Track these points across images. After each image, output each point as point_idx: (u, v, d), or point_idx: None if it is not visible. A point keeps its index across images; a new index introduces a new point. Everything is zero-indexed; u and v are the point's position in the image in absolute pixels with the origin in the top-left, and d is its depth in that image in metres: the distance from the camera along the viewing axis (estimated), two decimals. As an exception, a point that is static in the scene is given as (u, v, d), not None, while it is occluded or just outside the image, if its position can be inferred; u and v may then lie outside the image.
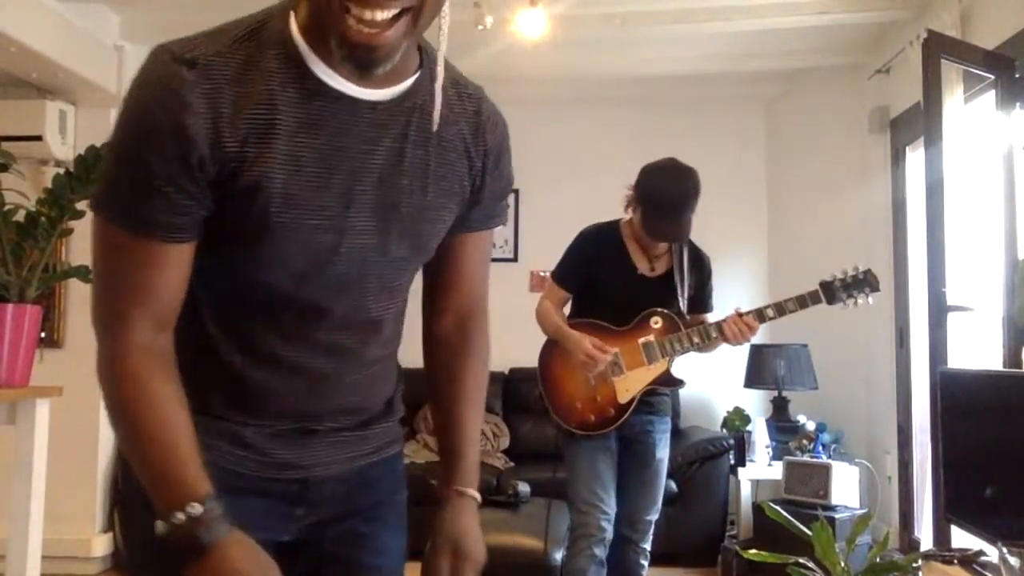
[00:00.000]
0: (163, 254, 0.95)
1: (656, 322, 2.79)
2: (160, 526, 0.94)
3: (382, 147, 1.01)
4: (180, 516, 0.93)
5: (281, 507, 1.13)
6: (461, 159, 1.10)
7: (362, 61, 0.91)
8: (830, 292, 2.76)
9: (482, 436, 4.83)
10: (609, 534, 2.74)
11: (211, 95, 0.92)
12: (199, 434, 1.00)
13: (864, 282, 2.78)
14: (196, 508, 0.93)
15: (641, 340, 2.78)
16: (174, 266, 0.97)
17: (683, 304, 2.82)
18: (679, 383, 2.83)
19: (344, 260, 1.03)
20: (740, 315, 2.72)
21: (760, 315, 2.72)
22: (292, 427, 1.11)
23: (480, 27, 3.69)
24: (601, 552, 2.71)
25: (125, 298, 0.97)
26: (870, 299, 2.78)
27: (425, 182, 1.05)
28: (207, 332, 1.06)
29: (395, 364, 1.24)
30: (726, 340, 2.73)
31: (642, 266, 2.83)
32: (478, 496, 1.23)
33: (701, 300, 2.92)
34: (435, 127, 1.05)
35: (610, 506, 2.75)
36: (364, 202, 1.01)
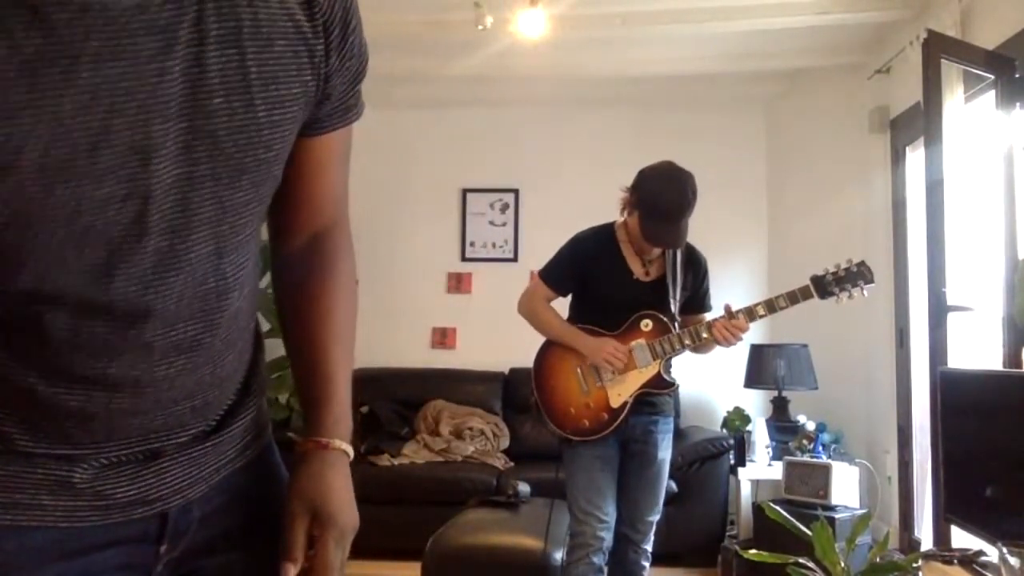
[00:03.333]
0: None
1: (647, 325, 2.78)
2: None
3: (173, 61, 0.71)
4: None
5: (138, 553, 0.88)
6: (294, 45, 0.80)
7: None
8: (821, 286, 2.73)
9: (482, 436, 4.83)
10: (608, 542, 2.74)
11: None
12: None
13: (857, 275, 2.73)
14: None
15: (632, 343, 2.77)
16: None
17: (675, 307, 2.81)
18: (671, 385, 2.83)
19: (158, 231, 0.74)
20: (730, 315, 2.71)
21: (750, 313, 2.71)
22: (132, 451, 0.85)
23: (480, 27, 3.70)
24: (600, 560, 2.71)
25: None
26: (865, 292, 2.75)
27: (248, 92, 0.76)
28: None
29: (251, 332, 0.97)
30: (716, 341, 2.73)
31: (637, 270, 2.82)
32: (348, 450, 0.95)
33: (698, 301, 2.91)
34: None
35: (608, 514, 2.75)
36: (167, 146, 0.72)
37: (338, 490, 0.92)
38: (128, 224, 0.72)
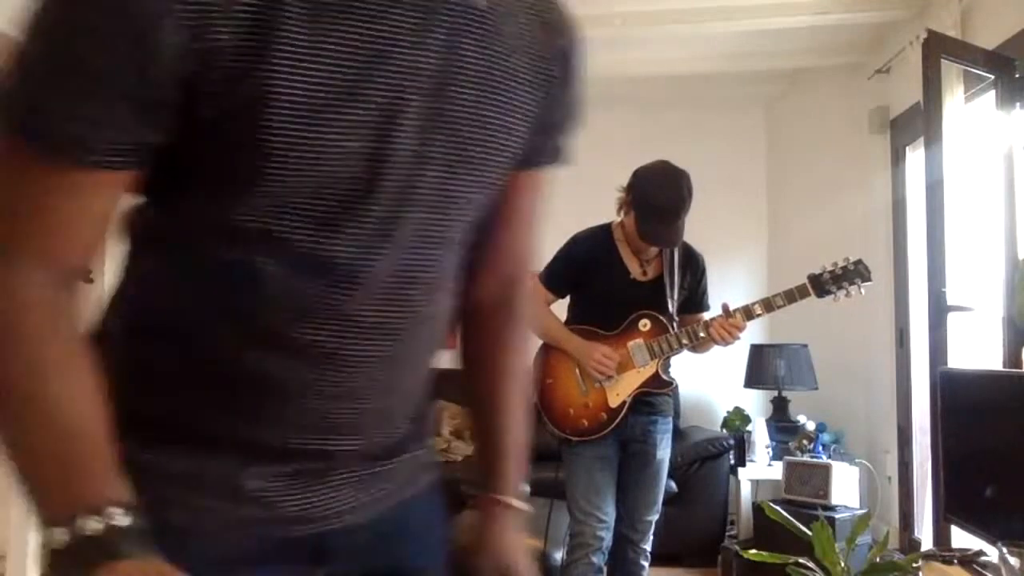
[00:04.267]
0: (87, 182, 0.66)
1: (645, 325, 2.79)
2: (58, 535, 0.64)
3: (433, 39, 0.72)
4: (95, 523, 0.64)
5: (294, 572, 0.82)
6: (531, 64, 0.81)
7: None
8: (818, 285, 2.74)
9: (482, 436, 4.83)
10: (607, 542, 2.74)
11: None
12: (161, 487, 0.73)
13: (855, 273, 2.74)
14: (119, 516, 0.65)
15: (630, 343, 2.77)
16: (99, 201, 0.68)
17: (672, 307, 2.81)
18: (669, 384, 2.83)
19: (387, 197, 0.73)
20: (728, 315, 2.71)
21: (748, 312, 2.72)
22: (309, 447, 0.81)
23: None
24: (599, 560, 2.72)
25: (18, 235, 0.67)
26: (862, 290, 2.75)
27: (491, 93, 0.77)
28: (176, 307, 0.75)
29: (433, 364, 0.93)
30: (714, 341, 2.73)
31: (634, 270, 2.82)
32: (524, 507, 0.99)
33: (695, 300, 2.91)
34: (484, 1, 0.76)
35: (608, 514, 2.75)
36: (412, 118, 0.72)
37: (520, 546, 0.98)
38: (363, 183, 0.72)
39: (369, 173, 0.72)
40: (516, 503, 0.99)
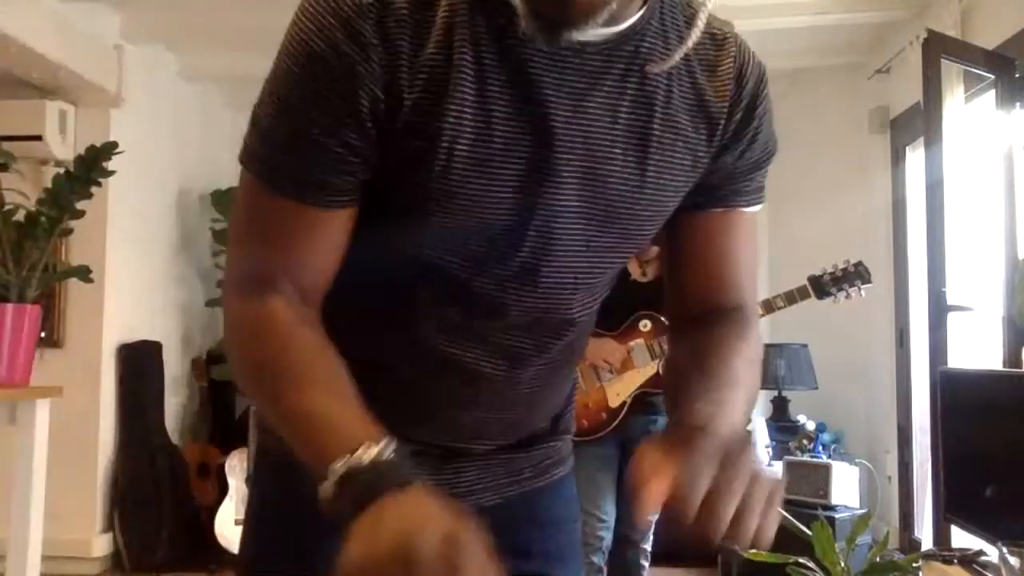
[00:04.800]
0: (320, 220, 0.79)
1: (645, 325, 2.79)
2: (334, 474, 0.67)
3: (592, 102, 0.78)
4: (363, 458, 0.68)
5: None
6: (698, 123, 0.83)
7: (553, 20, 0.70)
8: (818, 287, 2.74)
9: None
10: (607, 542, 2.74)
11: (387, 27, 0.73)
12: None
13: (855, 275, 2.75)
14: (385, 447, 0.69)
15: (631, 343, 2.78)
16: (329, 235, 0.80)
17: None
18: None
19: (531, 246, 0.81)
20: None
21: None
22: (442, 444, 0.91)
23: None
24: (599, 559, 2.72)
25: (271, 262, 0.80)
26: (862, 291, 2.76)
27: (645, 153, 0.81)
28: (346, 318, 0.84)
29: (572, 374, 1.03)
30: None
31: (634, 271, 2.83)
32: (718, 427, 0.74)
33: None
34: (667, 64, 0.79)
35: (608, 514, 2.75)
36: (564, 174, 0.79)
37: (716, 437, 0.72)
38: (511, 231, 0.80)
39: (517, 223, 0.79)
40: (696, 419, 0.76)
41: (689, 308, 0.95)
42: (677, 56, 0.79)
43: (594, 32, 0.73)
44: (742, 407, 0.86)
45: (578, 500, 1.05)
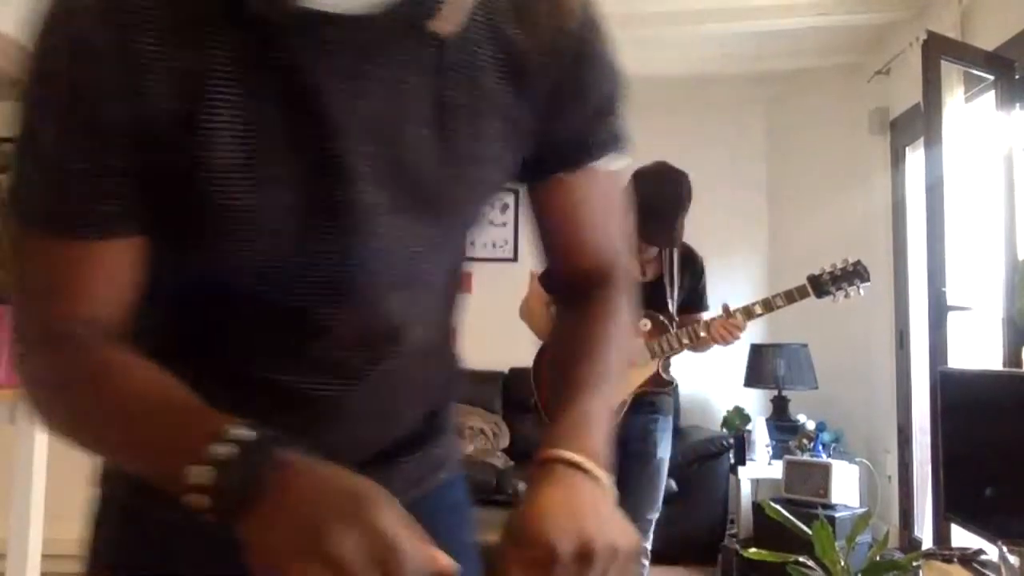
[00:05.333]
0: (99, 253, 0.70)
1: (645, 325, 2.79)
2: (208, 462, 0.59)
3: (371, 80, 0.69)
4: (233, 435, 0.60)
5: None
6: (510, 81, 0.73)
7: None
8: (818, 285, 2.75)
9: (482, 435, 4.83)
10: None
11: (126, 30, 0.64)
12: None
13: (854, 274, 2.76)
14: (243, 431, 0.60)
15: None
16: (114, 266, 0.71)
17: (672, 307, 2.82)
18: (669, 384, 2.83)
19: (336, 252, 0.72)
20: (728, 315, 2.72)
21: (748, 312, 2.73)
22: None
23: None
24: (600, 557, 2.72)
25: (61, 308, 0.71)
26: (861, 291, 2.77)
27: (447, 126, 0.72)
28: (158, 349, 0.75)
29: (447, 366, 0.93)
30: (714, 340, 2.74)
31: (634, 271, 2.83)
32: (577, 459, 0.70)
33: (695, 300, 2.92)
34: (455, 21, 0.69)
35: None
36: (356, 165, 0.69)
37: (543, 500, 0.67)
38: (306, 240, 0.71)
39: (313, 229, 0.70)
40: (560, 453, 0.71)
41: (560, 275, 0.90)
42: (464, 8, 0.69)
43: (364, 3, 0.65)
44: (606, 414, 0.79)
45: (468, 502, 0.95)
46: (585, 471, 0.70)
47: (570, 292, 0.89)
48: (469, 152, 0.73)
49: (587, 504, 0.68)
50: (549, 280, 0.95)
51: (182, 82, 0.65)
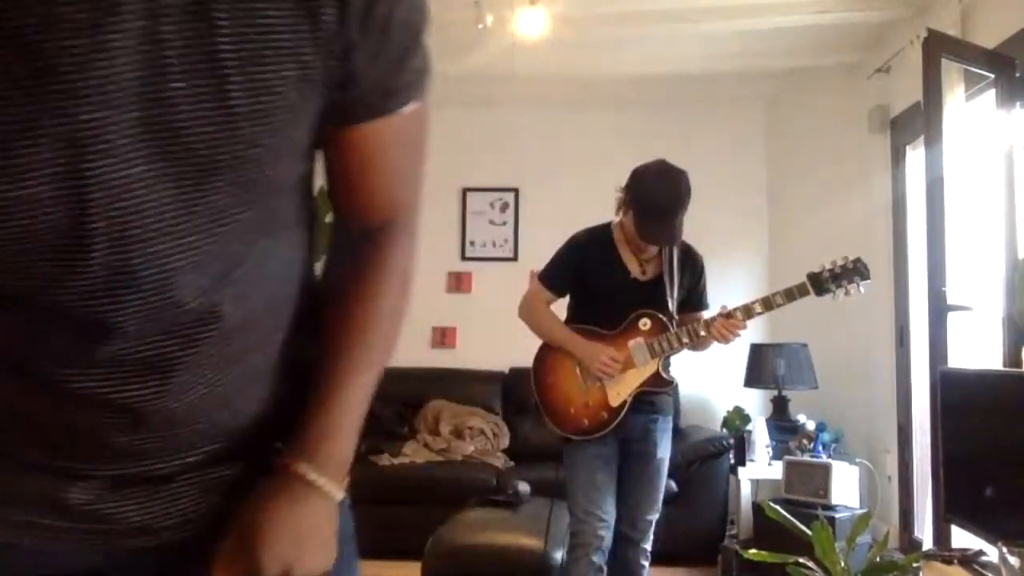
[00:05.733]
0: None
1: (645, 324, 2.79)
2: None
3: (112, 35, 0.57)
4: None
5: None
6: (288, 15, 0.64)
7: None
8: (818, 283, 2.74)
9: (482, 435, 4.83)
10: (608, 541, 2.74)
11: None
12: None
13: (854, 271, 2.74)
14: None
15: (631, 342, 2.77)
16: None
17: (672, 305, 2.82)
18: (670, 383, 2.83)
19: (105, 239, 0.63)
20: (728, 316, 2.71)
21: (748, 311, 2.72)
22: (135, 472, 0.75)
23: (480, 26, 3.69)
24: (600, 559, 2.72)
25: None
26: (861, 288, 2.75)
27: (220, 78, 0.62)
28: None
29: (278, 342, 0.81)
30: (714, 339, 2.73)
31: (634, 269, 2.83)
32: (318, 481, 0.76)
33: (695, 299, 2.92)
34: None
35: (608, 513, 2.75)
36: (109, 140, 0.60)
37: (282, 528, 0.74)
38: (64, 231, 0.62)
39: (67, 218, 0.61)
40: (303, 470, 0.75)
41: (355, 224, 0.84)
42: None
43: None
44: (361, 409, 0.81)
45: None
46: (321, 492, 0.75)
47: (353, 242, 0.84)
48: (253, 107, 0.64)
49: (310, 529, 0.74)
50: (338, 233, 0.88)
51: None
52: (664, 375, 2.80)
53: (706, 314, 2.88)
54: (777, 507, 2.28)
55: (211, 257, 0.68)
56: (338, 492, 0.78)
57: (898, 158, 4.33)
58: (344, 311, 0.83)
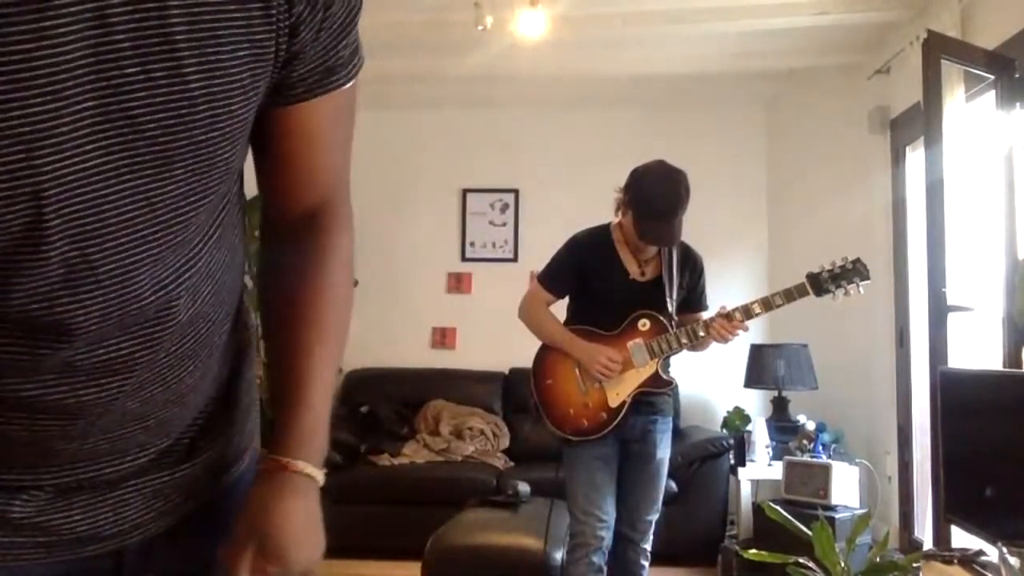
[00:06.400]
0: None
1: (644, 325, 2.79)
2: None
3: (59, 20, 0.55)
4: None
5: None
6: (242, 2, 0.63)
7: None
8: (817, 284, 2.74)
9: (482, 436, 4.83)
10: (608, 541, 2.74)
11: None
12: None
13: (853, 272, 2.74)
14: None
15: (630, 343, 2.77)
16: None
17: (672, 306, 2.82)
18: (669, 384, 2.83)
19: (62, 238, 0.60)
20: (726, 315, 2.71)
21: (747, 312, 2.72)
22: (81, 478, 0.74)
23: (480, 27, 3.69)
24: (600, 559, 2.72)
25: None
26: (861, 289, 2.75)
27: (174, 58, 0.60)
28: None
29: (223, 334, 0.82)
30: (713, 339, 2.73)
31: (633, 270, 2.83)
32: (314, 474, 0.80)
33: (694, 300, 2.92)
34: None
35: (608, 513, 2.75)
36: (62, 132, 0.57)
37: (294, 520, 0.78)
38: (21, 230, 0.58)
39: (23, 216, 0.58)
40: (300, 466, 0.79)
41: (287, 209, 0.83)
42: None
43: None
44: (329, 403, 0.84)
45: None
46: (316, 483, 0.80)
47: (291, 227, 0.84)
48: (209, 88, 0.62)
49: (315, 518, 0.80)
50: (270, 220, 0.86)
51: None
52: (663, 376, 2.80)
53: (705, 315, 2.88)
54: (777, 507, 2.27)
55: (170, 249, 0.67)
56: (323, 478, 0.82)
57: (898, 159, 4.33)
58: (302, 305, 0.83)
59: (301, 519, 0.79)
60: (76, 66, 0.56)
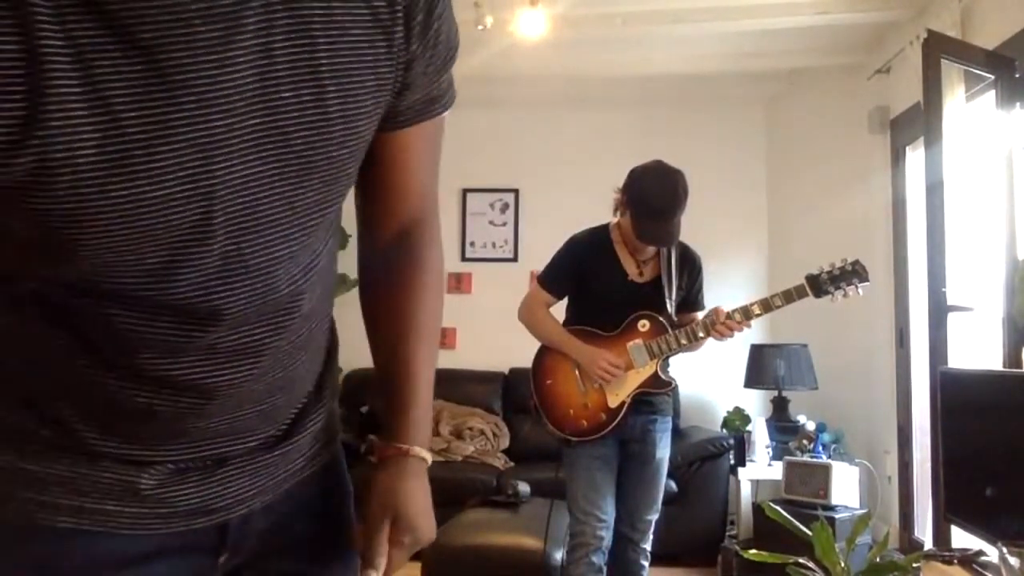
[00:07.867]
0: None
1: (643, 325, 2.79)
2: None
3: (237, 50, 0.65)
4: None
5: (197, 563, 0.87)
6: (370, 32, 0.74)
7: None
8: (816, 285, 2.74)
9: (482, 436, 4.83)
10: (607, 541, 2.74)
11: None
12: (55, 496, 0.77)
13: (852, 273, 2.74)
14: None
15: (629, 344, 2.77)
16: None
17: (671, 307, 2.82)
18: (668, 384, 2.83)
19: (224, 234, 0.70)
20: (726, 317, 2.71)
21: (747, 312, 2.72)
22: (198, 455, 0.83)
23: (480, 27, 3.70)
24: (599, 559, 2.72)
25: None
26: (860, 290, 2.76)
27: (320, 87, 0.71)
28: (51, 333, 0.75)
29: (325, 330, 0.94)
30: (712, 336, 2.73)
31: (632, 271, 2.83)
32: (427, 456, 0.95)
33: (692, 300, 2.92)
34: None
35: (608, 513, 2.75)
36: (232, 143, 0.67)
37: (419, 498, 0.94)
38: (192, 226, 0.68)
39: (196, 215, 0.68)
40: (417, 451, 0.95)
41: (381, 227, 0.96)
42: None
43: None
44: (431, 398, 0.99)
45: (347, 476, 1.04)
46: (427, 466, 0.96)
47: (388, 243, 0.96)
48: (344, 112, 0.74)
49: (430, 497, 0.95)
50: (367, 225, 0.97)
51: (9, 75, 0.58)
52: (663, 376, 2.80)
53: (701, 315, 2.88)
54: (777, 507, 2.27)
55: (303, 248, 0.78)
56: (431, 460, 0.97)
57: (898, 159, 4.34)
58: (404, 316, 0.97)
59: (423, 496, 0.94)
60: (247, 89, 0.67)
